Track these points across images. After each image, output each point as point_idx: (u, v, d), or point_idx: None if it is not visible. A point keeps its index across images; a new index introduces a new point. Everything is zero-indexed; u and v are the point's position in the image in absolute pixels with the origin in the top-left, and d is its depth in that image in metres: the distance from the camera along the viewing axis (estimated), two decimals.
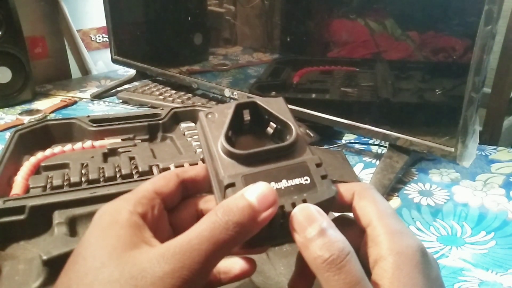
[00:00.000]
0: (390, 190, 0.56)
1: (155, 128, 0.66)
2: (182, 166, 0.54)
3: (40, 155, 0.56)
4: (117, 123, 0.64)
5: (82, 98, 0.96)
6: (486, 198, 0.56)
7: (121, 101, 0.93)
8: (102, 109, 0.90)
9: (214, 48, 0.86)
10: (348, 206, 0.27)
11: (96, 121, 0.64)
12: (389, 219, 0.25)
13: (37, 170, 0.54)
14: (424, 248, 0.24)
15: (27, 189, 0.50)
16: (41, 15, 1.08)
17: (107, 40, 1.05)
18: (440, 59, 0.54)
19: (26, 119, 0.82)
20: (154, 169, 0.54)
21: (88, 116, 0.65)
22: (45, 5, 1.08)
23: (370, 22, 0.59)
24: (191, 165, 0.54)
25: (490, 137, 0.99)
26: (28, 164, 0.54)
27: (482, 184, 0.59)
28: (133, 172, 0.53)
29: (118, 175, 0.52)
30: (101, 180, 0.51)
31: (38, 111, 0.86)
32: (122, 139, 0.62)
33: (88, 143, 0.60)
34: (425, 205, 0.55)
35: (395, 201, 0.55)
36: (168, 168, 0.54)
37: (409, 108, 0.60)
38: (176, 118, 0.68)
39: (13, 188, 0.50)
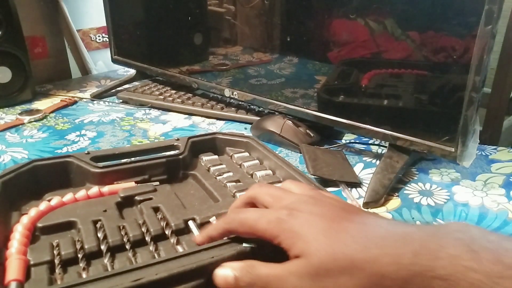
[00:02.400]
0: (390, 190, 0.56)
1: (174, 165, 0.53)
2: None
3: (33, 211, 0.43)
4: (126, 161, 0.51)
5: (82, 98, 0.96)
6: (486, 198, 0.56)
7: (121, 101, 0.93)
8: (102, 108, 0.90)
9: (214, 48, 0.87)
10: None
11: (99, 158, 0.51)
12: None
13: (33, 233, 0.41)
14: None
15: (27, 267, 0.36)
16: (41, 15, 1.08)
17: (107, 40, 1.05)
18: (440, 59, 0.54)
19: (26, 119, 0.82)
20: (191, 224, 0.43)
21: (88, 153, 0.51)
22: (45, 5, 1.08)
23: (370, 22, 0.59)
24: None
25: (490, 137, 0.99)
26: (20, 228, 0.40)
27: (482, 184, 0.59)
28: (166, 232, 0.42)
29: (147, 237, 0.41)
30: (126, 245, 0.40)
31: (38, 111, 0.86)
32: (135, 182, 0.50)
33: (94, 190, 0.48)
34: (425, 205, 0.55)
35: (395, 201, 0.55)
36: (208, 222, 0.44)
37: (409, 108, 0.60)
38: (194, 149, 0.56)
39: (7, 269, 0.35)
